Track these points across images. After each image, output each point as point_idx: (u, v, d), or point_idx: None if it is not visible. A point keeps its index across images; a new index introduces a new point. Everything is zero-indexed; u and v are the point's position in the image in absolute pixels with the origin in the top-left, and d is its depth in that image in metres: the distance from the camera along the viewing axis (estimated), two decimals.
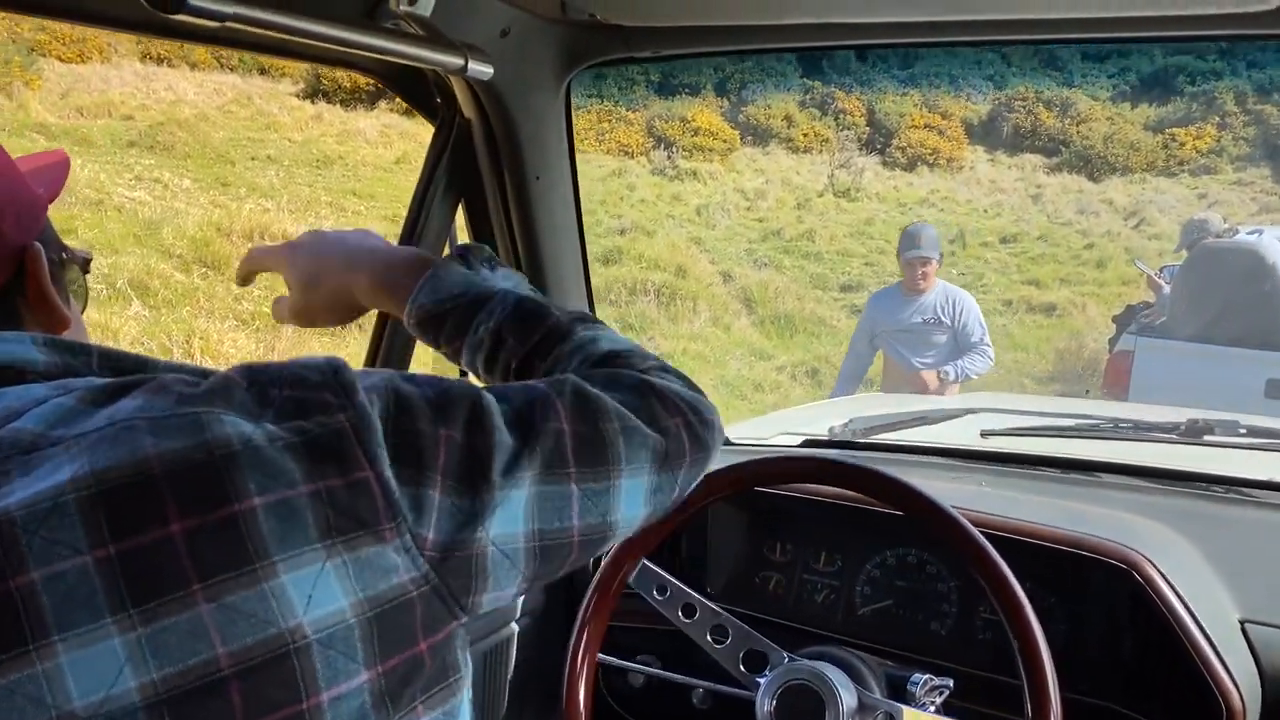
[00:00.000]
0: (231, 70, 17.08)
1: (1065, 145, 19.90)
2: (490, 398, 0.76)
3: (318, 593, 0.60)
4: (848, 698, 1.20)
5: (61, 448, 0.59)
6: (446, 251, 1.32)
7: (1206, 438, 1.76)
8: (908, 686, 1.26)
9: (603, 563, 1.28)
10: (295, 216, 10.87)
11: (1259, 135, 19.38)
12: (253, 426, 0.62)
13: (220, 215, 10.18)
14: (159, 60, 16.68)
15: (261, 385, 0.66)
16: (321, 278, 1.04)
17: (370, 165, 13.96)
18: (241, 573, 0.58)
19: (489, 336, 0.94)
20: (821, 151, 19.19)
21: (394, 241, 1.20)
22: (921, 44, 1.25)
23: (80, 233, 8.98)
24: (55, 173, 0.85)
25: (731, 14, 1.23)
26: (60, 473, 0.58)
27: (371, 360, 1.28)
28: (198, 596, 0.57)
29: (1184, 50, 19.89)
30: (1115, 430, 1.80)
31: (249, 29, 0.81)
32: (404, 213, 1.32)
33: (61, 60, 15.43)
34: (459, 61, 1.02)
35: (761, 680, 1.25)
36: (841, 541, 1.56)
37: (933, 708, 1.25)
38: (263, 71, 17.35)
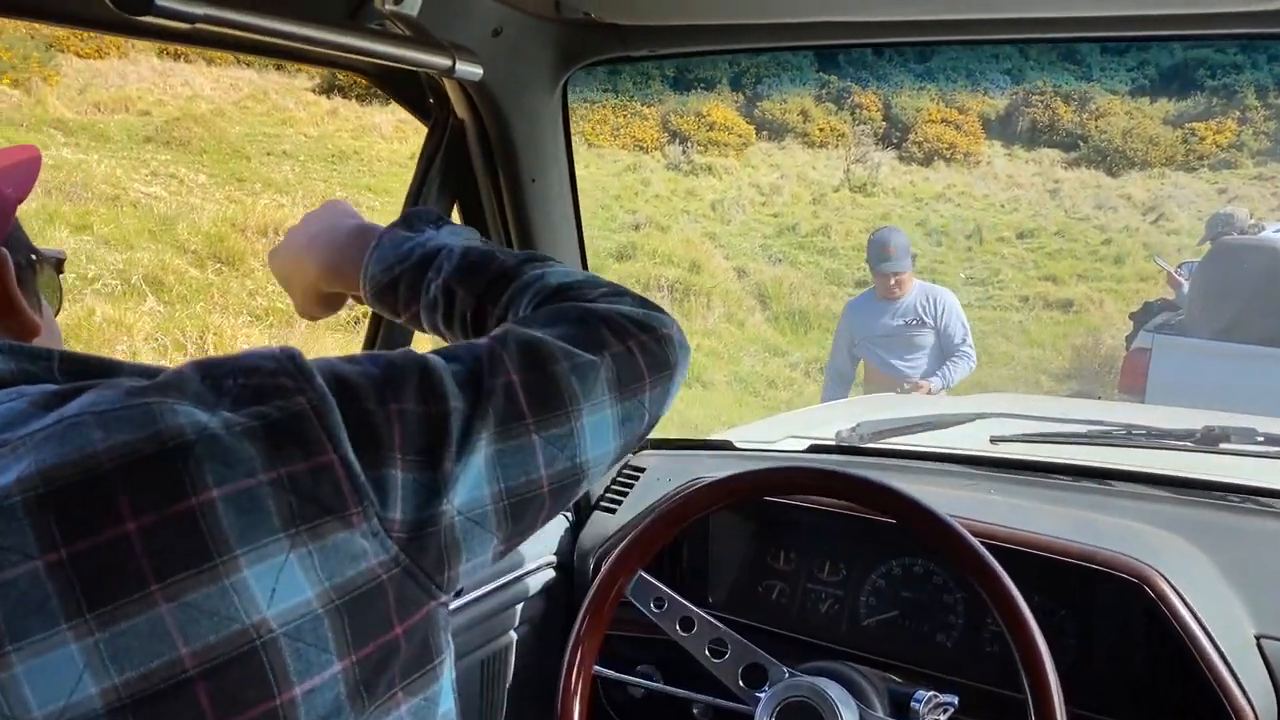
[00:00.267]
0: (248, 66, 17.10)
1: (1083, 140, 19.74)
2: (438, 360, 0.73)
3: (281, 585, 0.58)
4: (849, 715, 1.18)
5: (8, 449, 0.57)
6: None
7: (1222, 445, 1.72)
8: (911, 704, 1.23)
9: (598, 576, 1.25)
10: (309, 211, 10.88)
11: None
12: (208, 415, 0.60)
13: (235, 210, 10.19)
14: (176, 56, 16.72)
15: (215, 376, 0.64)
16: (290, 277, 1.03)
17: (385, 160, 13.97)
18: (201, 570, 0.56)
19: (440, 293, 0.91)
20: (837, 146, 19.09)
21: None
22: (920, 43, 1.22)
23: (96, 228, 9.01)
24: (26, 171, 0.81)
25: (728, 13, 1.19)
26: (6, 475, 0.56)
27: (370, 347, 1.25)
28: (157, 596, 0.55)
29: (1204, 43, 19.68)
30: (1128, 437, 1.75)
31: (222, 30, 0.78)
32: None
33: (79, 56, 15.48)
34: (446, 62, 0.99)
35: (761, 695, 1.22)
36: (846, 550, 1.53)
37: None
38: (279, 67, 17.36)
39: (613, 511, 1.71)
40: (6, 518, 0.54)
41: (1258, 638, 1.31)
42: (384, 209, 11.53)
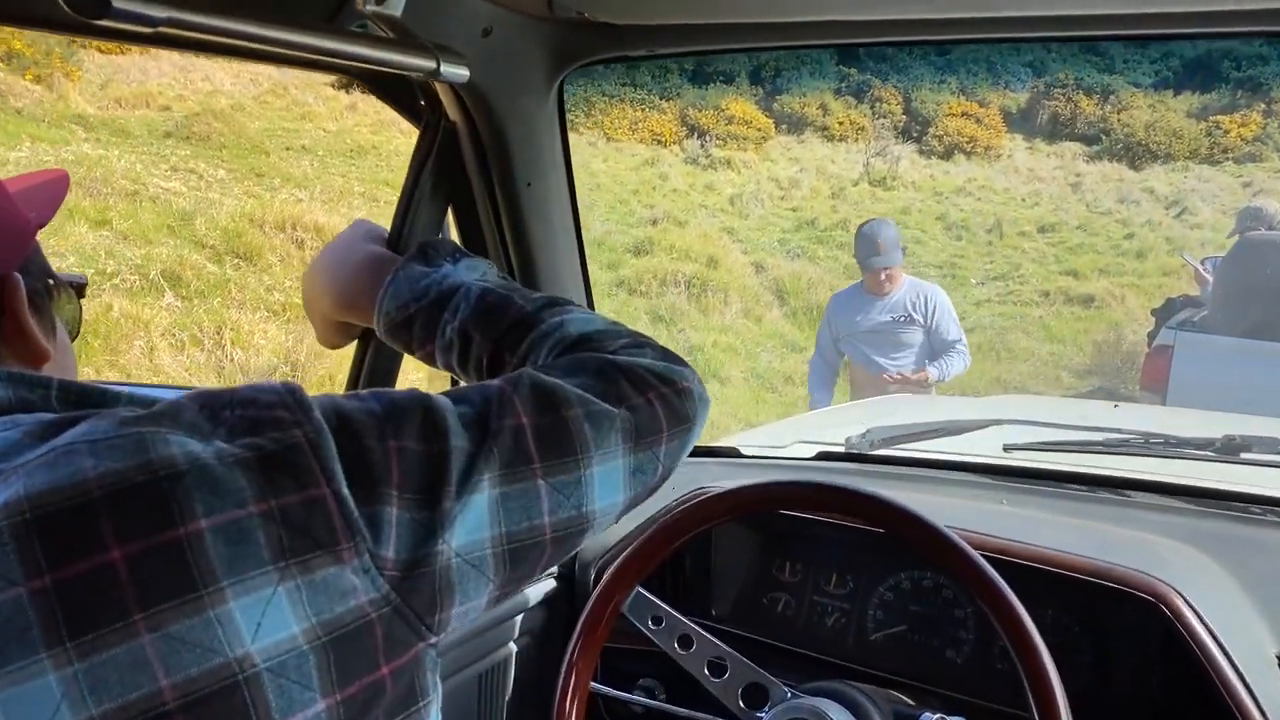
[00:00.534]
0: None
1: (1106, 133, 19.54)
2: (444, 401, 0.73)
3: (268, 619, 0.58)
4: None
5: (0, 478, 0.56)
6: None
7: (1243, 455, 1.67)
8: None
9: (594, 592, 1.21)
10: (328, 207, 10.89)
11: None
12: (202, 445, 0.60)
13: (253, 206, 10.20)
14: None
15: (213, 407, 0.63)
16: (310, 306, 1.05)
17: (404, 155, 13.88)
18: (186, 600, 0.55)
19: (456, 335, 0.91)
20: (857, 140, 18.99)
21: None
22: (917, 41, 1.18)
23: (115, 224, 9.04)
24: (51, 193, 0.82)
25: (729, 12, 1.16)
26: None
27: (355, 374, 1.22)
28: (139, 627, 0.54)
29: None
30: (1146, 446, 1.71)
31: (189, 34, 0.75)
32: None
33: (101, 52, 15.54)
34: (430, 64, 0.96)
35: (762, 716, 1.18)
36: (854, 563, 1.49)
37: None
38: None
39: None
40: None
41: (1279, 656, 1.27)
42: None
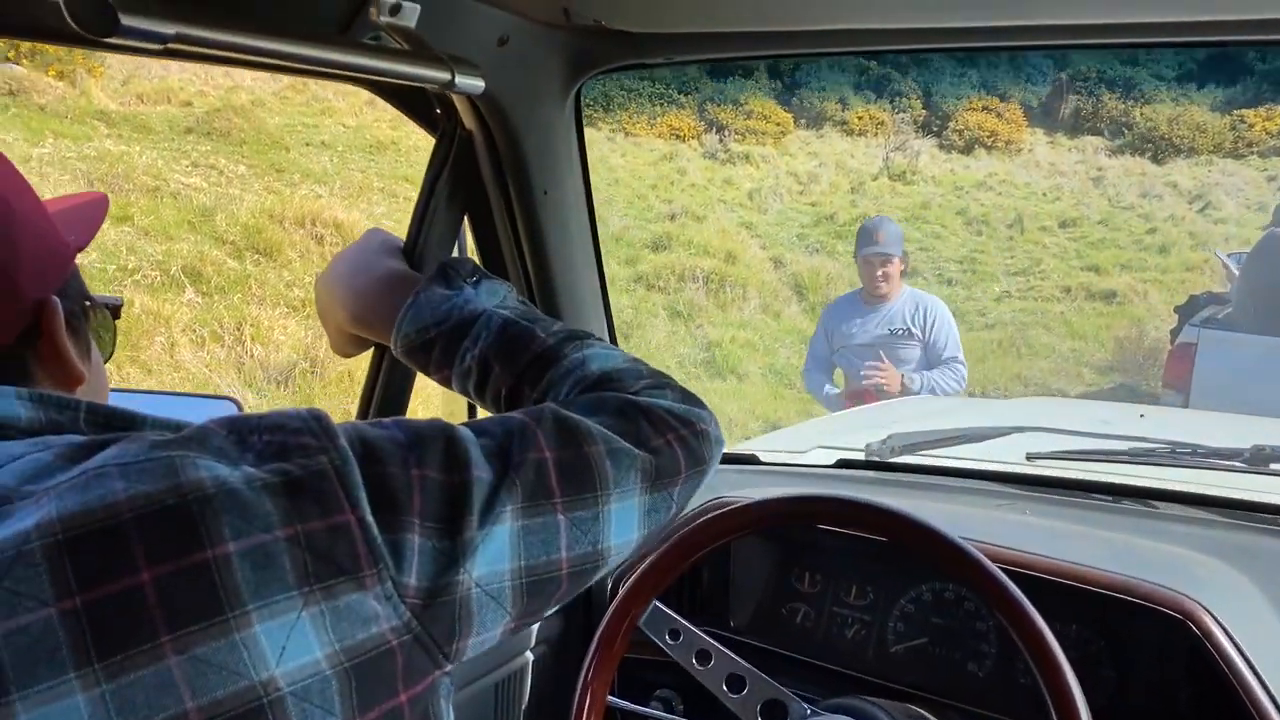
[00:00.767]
0: None
1: (1128, 127, 19.38)
2: (466, 432, 0.73)
3: (292, 643, 0.58)
4: None
5: (32, 500, 0.57)
6: None
7: (1273, 465, 1.63)
8: None
9: (610, 606, 1.20)
10: (347, 203, 10.91)
11: None
12: (229, 469, 0.61)
13: (273, 201, 10.23)
14: None
15: (241, 432, 0.64)
16: (324, 316, 1.05)
17: (423, 150, 13.83)
18: (212, 623, 0.56)
19: (476, 364, 0.91)
20: (877, 134, 18.90)
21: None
22: (935, 50, 1.16)
23: (136, 219, 9.09)
24: (90, 215, 0.83)
25: (743, 20, 1.14)
26: (26, 520, 0.55)
27: (370, 389, 1.21)
28: (166, 649, 0.55)
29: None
30: (1172, 456, 1.68)
31: (200, 49, 0.73)
32: None
33: None
34: (444, 76, 0.95)
35: None
36: (874, 573, 1.47)
37: None
38: None
39: None
40: (24, 563, 0.54)
41: None
42: None
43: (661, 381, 0.91)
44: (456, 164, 1.19)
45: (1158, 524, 1.50)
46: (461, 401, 1.39)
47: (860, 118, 19.24)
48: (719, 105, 18.15)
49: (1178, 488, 1.58)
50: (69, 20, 0.66)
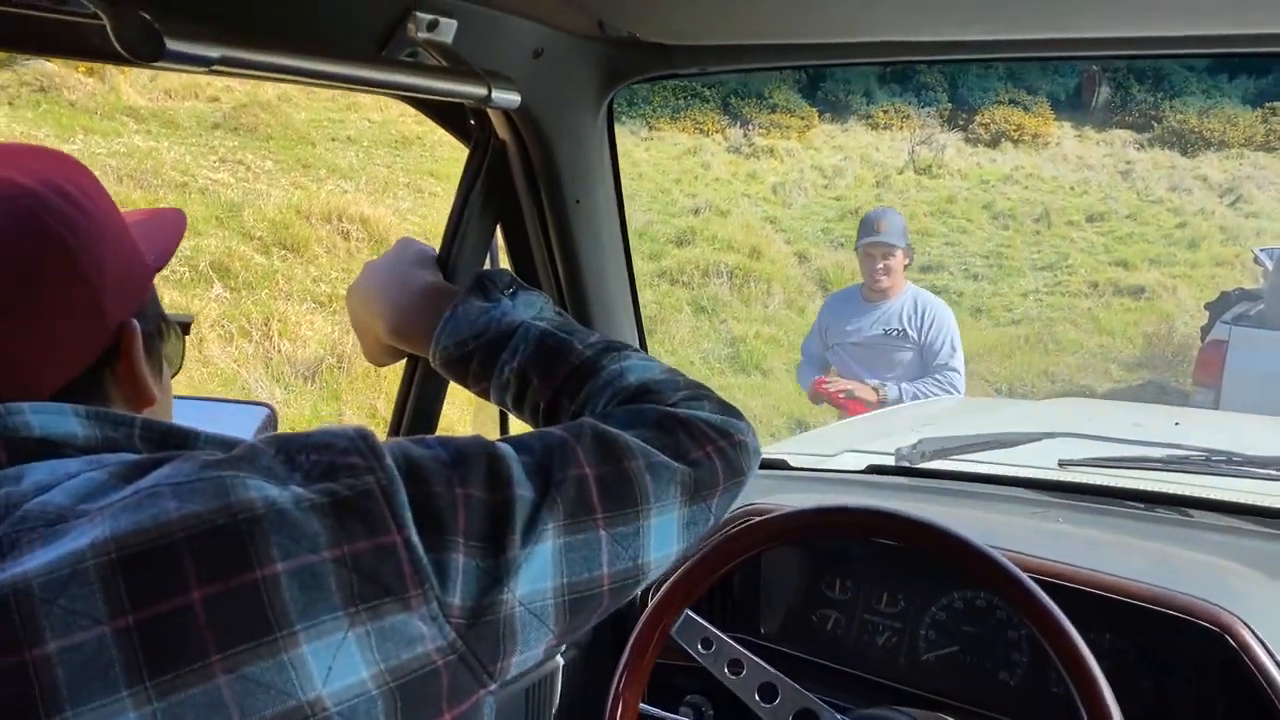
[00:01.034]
0: None
1: (1157, 120, 19.16)
2: (507, 449, 0.74)
3: (338, 664, 0.59)
4: None
5: (86, 519, 0.58)
6: None
7: None
8: None
9: (641, 618, 1.20)
10: (373, 198, 10.96)
11: None
12: (278, 489, 0.61)
13: (300, 197, 10.29)
14: None
15: (289, 451, 0.65)
16: (359, 327, 1.06)
17: (448, 145, 13.93)
18: (261, 643, 0.57)
19: (514, 377, 0.92)
20: (902, 128, 18.79)
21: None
22: (969, 60, 1.15)
23: None
24: (168, 234, 0.84)
25: (776, 33, 1.14)
26: (81, 539, 0.56)
27: (403, 398, 1.22)
28: (216, 668, 0.55)
29: None
30: (1208, 464, 1.66)
31: (241, 71, 0.74)
32: None
33: None
34: (481, 91, 0.95)
35: None
36: (905, 581, 1.47)
37: None
38: None
39: None
40: (79, 581, 0.55)
41: None
42: (445, 194, 11.57)
43: (699, 393, 0.90)
44: (490, 174, 1.20)
45: (1193, 533, 1.49)
46: (491, 406, 1.40)
47: (885, 111, 19.13)
48: (743, 99, 18.09)
49: (1214, 496, 1.57)
50: (116, 46, 0.67)
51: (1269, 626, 1.22)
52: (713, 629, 1.21)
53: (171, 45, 0.68)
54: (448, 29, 0.94)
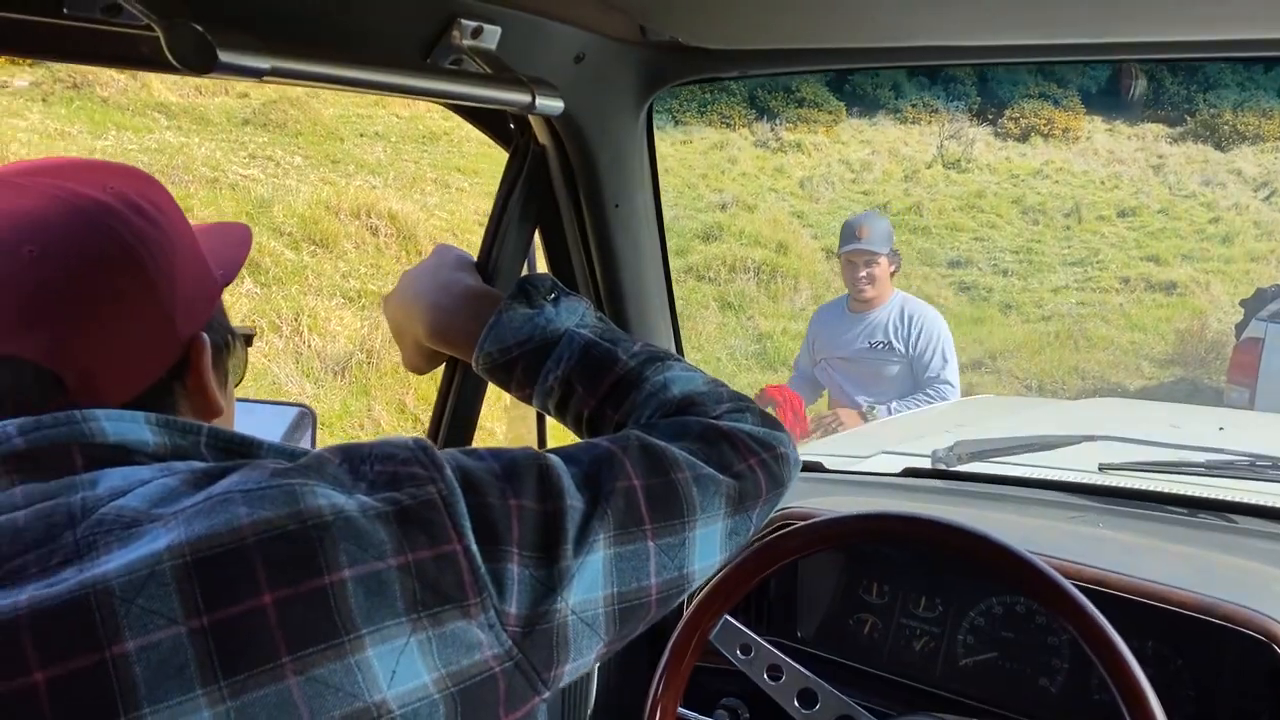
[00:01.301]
0: None
1: (1191, 114, 18.93)
2: (557, 461, 0.75)
3: (401, 667, 0.60)
4: None
5: (160, 523, 0.59)
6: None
7: None
8: None
9: (679, 623, 1.20)
10: (401, 194, 11.00)
11: None
12: (345, 498, 0.63)
13: (329, 192, 10.34)
14: None
15: (353, 461, 0.67)
16: (399, 332, 1.07)
17: (475, 140, 14.04)
18: (329, 645, 0.59)
19: (558, 385, 0.93)
20: (930, 122, 18.67)
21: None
22: (1010, 63, 1.15)
23: (196, 211, 9.23)
24: (234, 248, 0.86)
25: (818, 37, 1.13)
26: (157, 542, 0.58)
27: (442, 402, 1.22)
28: (287, 669, 0.57)
29: None
30: (1252, 469, 1.64)
31: (290, 81, 0.75)
32: None
33: None
34: (525, 99, 0.95)
35: None
36: (943, 585, 1.46)
37: None
38: None
39: None
40: (157, 582, 0.56)
41: None
42: (472, 189, 11.62)
43: (742, 405, 0.92)
44: (529, 179, 1.20)
45: (1237, 539, 1.47)
46: (528, 408, 1.40)
47: (914, 105, 19.01)
48: (770, 93, 18.02)
49: (1258, 501, 1.55)
50: (170, 58, 0.67)
51: None
52: (751, 634, 1.21)
53: (224, 57, 0.68)
54: (491, 35, 0.95)
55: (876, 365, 3.61)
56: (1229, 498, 1.57)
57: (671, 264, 1.45)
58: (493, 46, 0.95)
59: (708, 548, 0.80)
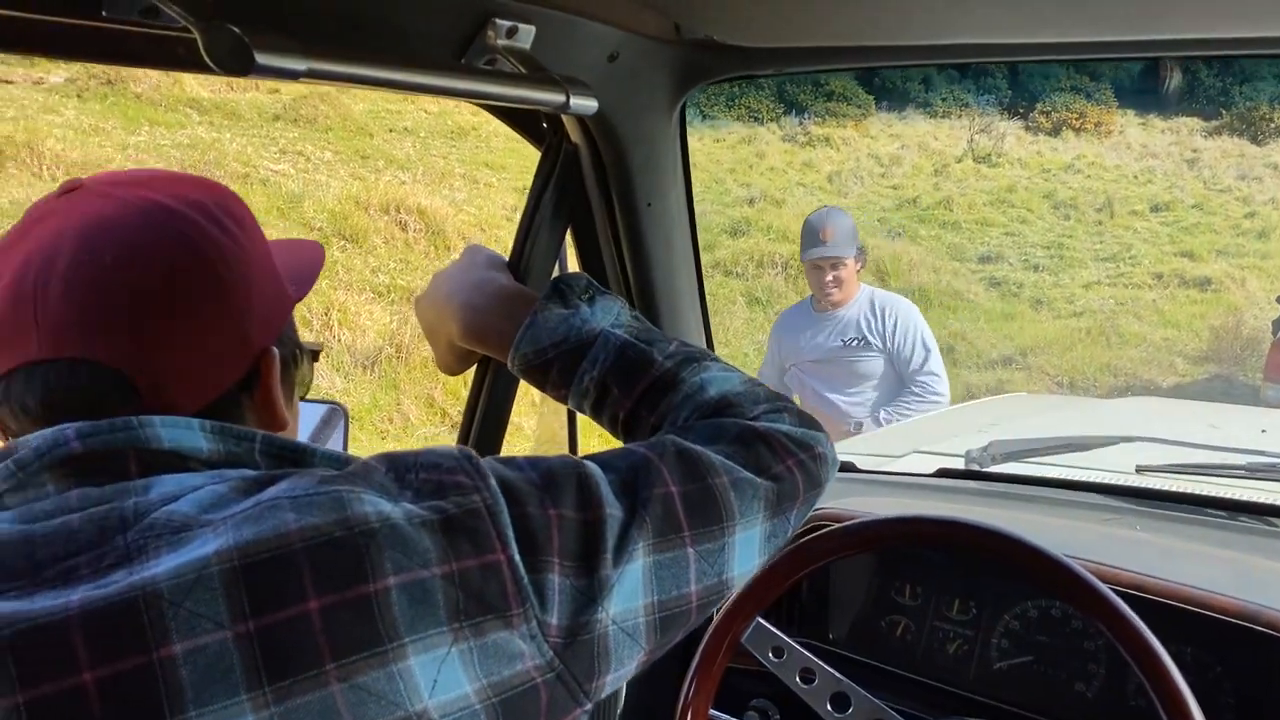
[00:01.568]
0: None
1: (1226, 107, 18.67)
2: (594, 468, 0.75)
3: (443, 676, 0.60)
4: None
5: (210, 528, 0.60)
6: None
7: None
8: None
9: (710, 626, 1.19)
10: (430, 189, 11.03)
11: None
12: (391, 505, 0.63)
13: (359, 188, 10.40)
14: None
15: (399, 469, 0.67)
16: (432, 333, 1.07)
17: (503, 136, 14.07)
18: (373, 653, 0.59)
19: (594, 386, 0.92)
20: (960, 116, 18.53)
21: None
22: (1046, 60, 1.13)
23: None
24: (307, 264, 0.87)
25: (853, 36, 1.12)
26: (206, 547, 0.58)
27: (474, 399, 1.22)
28: (331, 676, 0.57)
29: None
30: None
31: (326, 83, 0.75)
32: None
33: None
34: (559, 98, 0.95)
35: None
36: (977, 588, 1.44)
37: None
38: None
39: None
40: (204, 586, 0.57)
41: None
42: (501, 184, 11.64)
43: (779, 405, 0.90)
44: (562, 177, 1.20)
45: (1277, 543, 1.44)
46: (559, 406, 1.40)
47: (943, 99, 18.87)
48: (799, 87, 17.94)
49: None
50: (207, 59, 0.68)
51: None
52: (784, 637, 1.20)
53: (261, 59, 0.68)
54: (526, 35, 0.94)
55: (852, 363, 3.47)
56: (1269, 500, 1.54)
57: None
58: (527, 46, 0.94)
59: (747, 552, 0.79)
